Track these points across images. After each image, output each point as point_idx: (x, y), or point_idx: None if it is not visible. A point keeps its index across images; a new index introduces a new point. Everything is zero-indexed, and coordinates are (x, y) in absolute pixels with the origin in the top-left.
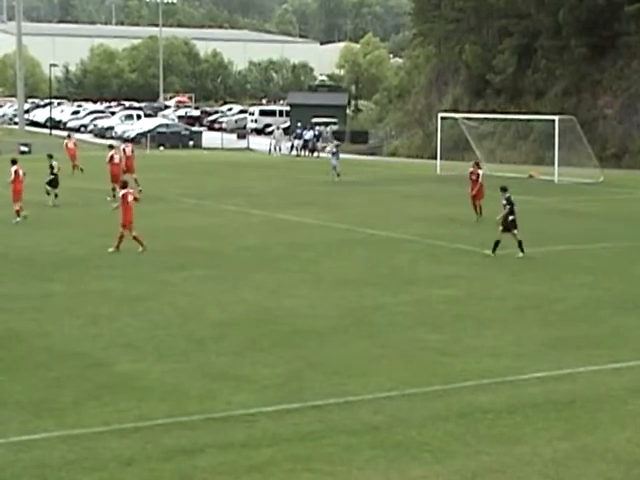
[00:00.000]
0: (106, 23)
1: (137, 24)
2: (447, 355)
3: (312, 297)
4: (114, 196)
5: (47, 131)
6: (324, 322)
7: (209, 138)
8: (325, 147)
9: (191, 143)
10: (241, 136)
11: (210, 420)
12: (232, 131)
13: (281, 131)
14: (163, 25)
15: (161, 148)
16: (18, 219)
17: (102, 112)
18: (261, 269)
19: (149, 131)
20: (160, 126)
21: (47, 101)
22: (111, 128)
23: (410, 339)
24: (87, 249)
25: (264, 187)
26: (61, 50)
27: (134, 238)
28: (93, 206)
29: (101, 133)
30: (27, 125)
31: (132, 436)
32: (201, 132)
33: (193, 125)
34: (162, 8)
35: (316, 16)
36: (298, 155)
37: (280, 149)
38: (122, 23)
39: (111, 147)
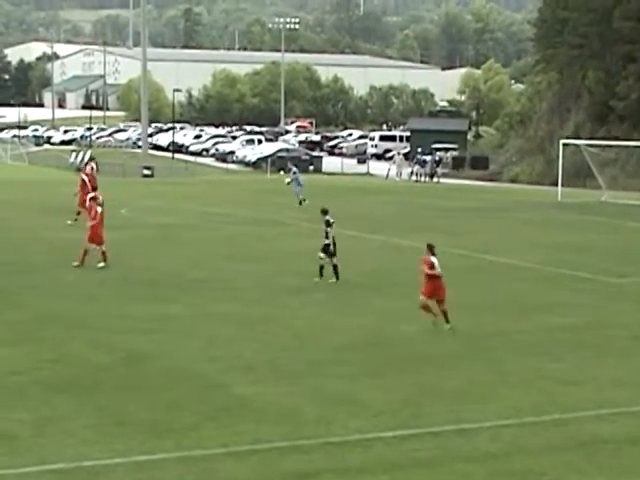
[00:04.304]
0: (229, 49)
1: (259, 49)
2: (566, 384)
3: (429, 323)
4: (76, 220)
5: (169, 155)
6: (441, 348)
7: (329, 163)
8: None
9: (311, 168)
10: (361, 161)
11: (326, 444)
12: (352, 156)
13: (402, 156)
14: (285, 50)
15: (281, 172)
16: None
17: (224, 136)
18: (379, 294)
19: (269, 156)
20: (280, 151)
21: (170, 125)
22: (232, 152)
23: (529, 367)
24: (207, 271)
25: (383, 212)
26: (184, 75)
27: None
28: (213, 229)
29: (222, 157)
30: (150, 149)
31: (249, 459)
32: (321, 157)
33: (313, 150)
34: (284, 34)
35: (437, 42)
36: (417, 180)
37: (401, 174)
38: (245, 48)
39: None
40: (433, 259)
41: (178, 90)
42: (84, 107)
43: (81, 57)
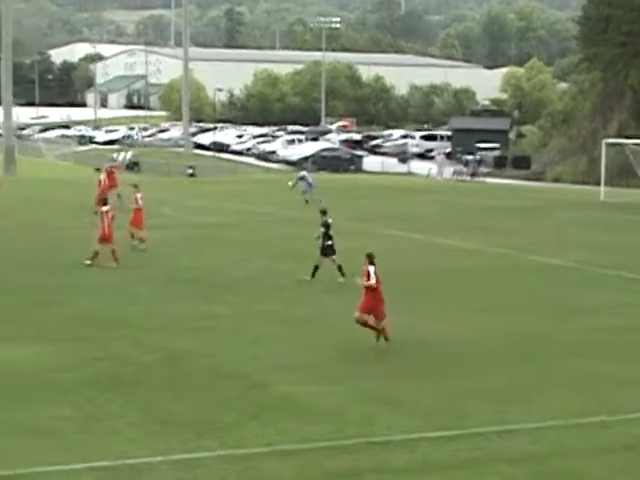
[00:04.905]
0: (271, 48)
1: (301, 49)
2: (614, 385)
3: (471, 323)
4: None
5: (212, 154)
6: (484, 348)
7: (370, 162)
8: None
9: (352, 167)
10: (402, 160)
11: (370, 444)
12: (394, 155)
13: (443, 156)
14: (326, 49)
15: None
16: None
17: (265, 136)
18: (420, 294)
19: (311, 155)
20: (322, 150)
21: (212, 125)
22: (274, 152)
23: (575, 368)
24: (251, 271)
25: (425, 211)
26: (226, 74)
27: (112, 252)
28: (257, 229)
29: (264, 156)
30: (193, 148)
31: (293, 458)
32: (362, 156)
33: (355, 149)
34: (326, 33)
35: (480, 40)
36: (460, 180)
37: (442, 174)
38: (286, 48)
39: (98, 170)
40: (370, 268)
41: (220, 89)
42: (126, 107)
43: (124, 57)
